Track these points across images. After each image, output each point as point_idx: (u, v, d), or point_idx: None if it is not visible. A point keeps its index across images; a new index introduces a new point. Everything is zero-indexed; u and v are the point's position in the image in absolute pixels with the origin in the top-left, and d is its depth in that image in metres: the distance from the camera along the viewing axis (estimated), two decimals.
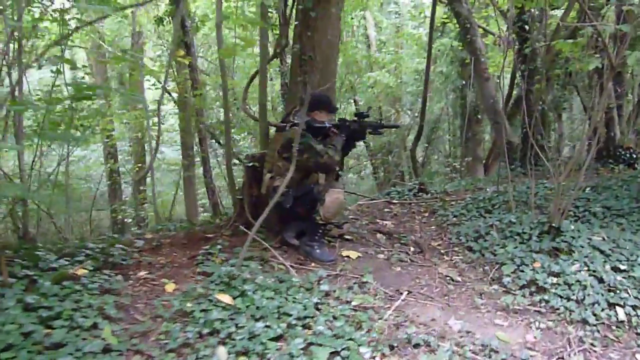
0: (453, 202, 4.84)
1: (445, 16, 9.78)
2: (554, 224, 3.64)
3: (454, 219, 4.29)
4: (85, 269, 2.82)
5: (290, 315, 2.47)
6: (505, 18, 7.06)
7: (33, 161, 7.55)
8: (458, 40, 9.34)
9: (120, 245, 3.29)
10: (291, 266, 3.09)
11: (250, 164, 3.54)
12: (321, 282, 2.85)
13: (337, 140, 3.34)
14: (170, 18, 8.14)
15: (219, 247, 3.23)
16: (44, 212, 4.72)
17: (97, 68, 11.17)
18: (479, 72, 7.38)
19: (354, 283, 2.92)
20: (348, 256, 3.27)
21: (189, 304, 2.58)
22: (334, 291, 2.78)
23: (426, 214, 4.56)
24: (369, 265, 3.17)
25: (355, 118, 3.50)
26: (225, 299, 2.54)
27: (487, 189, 5.46)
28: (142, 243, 3.47)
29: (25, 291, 2.54)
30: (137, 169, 11.83)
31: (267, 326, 2.37)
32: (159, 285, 2.90)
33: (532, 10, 6.44)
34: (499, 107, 7.20)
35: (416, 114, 12.82)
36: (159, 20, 8.06)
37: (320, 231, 3.23)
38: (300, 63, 3.72)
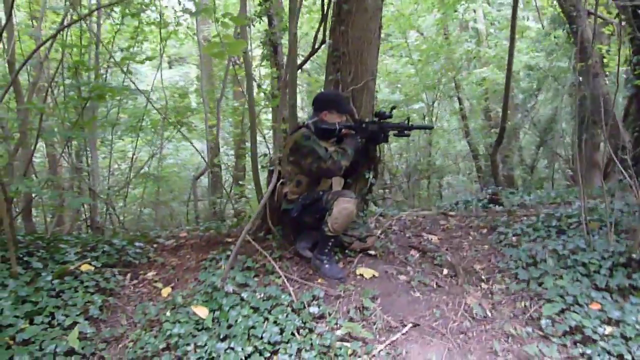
0: (523, 218, 4.18)
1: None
2: (634, 255, 2.94)
3: (513, 238, 3.67)
4: (91, 265, 2.89)
5: (261, 339, 2.26)
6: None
7: (133, 155, 8.24)
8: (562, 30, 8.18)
9: (140, 244, 3.33)
10: (296, 281, 2.86)
11: (272, 168, 3.36)
12: (314, 302, 2.58)
13: (349, 142, 3.01)
14: (260, 18, 8.28)
15: (227, 253, 3.11)
16: (107, 204, 5.05)
17: (203, 63, 11.79)
18: (587, 67, 6.37)
19: (354, 307, 2.60)
20: (361, 275, 2.93)
21: (168, 313, 2.49)
22: (325, 315, 2.50)
23: (484, 230, 3.98)
24: (382, 288, 2.81)
25: (375, 119, 3.13)
26: (201, 312, 2.40)
27: (576, 203, 4.65)
28: (163, 242, 3.49)
29: (28, 283, 2.66)
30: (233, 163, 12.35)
31: (230, 348, 2.19)
32: (159, 288, 2.87)
33: None
34: (610, 107, 6.14)
35: (526, 111, 11.64)
36: (249, 21, 8.22)
37: (331, 244, 2.93)
38: (333, 60, 3.44)
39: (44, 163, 7.41)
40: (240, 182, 12.36)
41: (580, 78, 9.06)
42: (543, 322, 2.51)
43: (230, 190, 8.64)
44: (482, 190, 10.34)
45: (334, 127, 2.99)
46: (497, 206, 4.74)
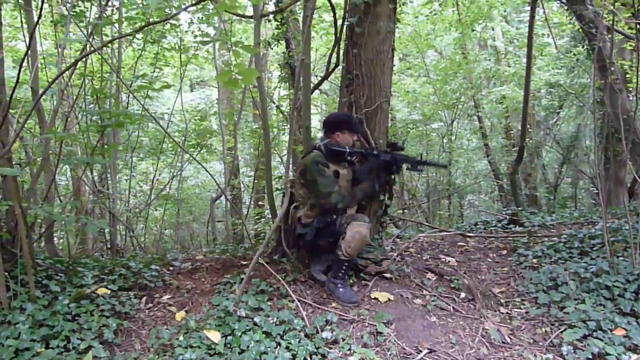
0: (544, 239, 4.08)
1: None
2: None
3: (534, 260, 3.58)
4: (107, 289, 2.91)
5: None
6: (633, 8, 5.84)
7: (154, 177, 8.37)
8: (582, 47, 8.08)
9: (156, 267, 3.36)
10: (310, 304, 2.84)
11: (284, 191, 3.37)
12: (327, 327, 2.55)
13: (363, 188, 3.01)
14: (277, 41, 8.42)
15: (241, 276, 3.10)
16: (127, 227, 5.13)
17: (222, 87, 12.00)
18: (609, 84, 6.26)
19: (368, 332, 2.55)
20: (376, 299, 2.89)
21: (181, 337, 2.49)
22: (339, 340, 2.46)
23: (504, 252, 3.89)
24: (397, 312, 2.76)
25: (388, 149, 3.12)
26: (213, 336, 2.39)
27: (600, 224, 4.52)
28: (179, 265, 3.51)
29: (46, 307, 2.70)
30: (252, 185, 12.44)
31: None
32: (173, 312, 2.87)
33: None
34: (634, 124, 6.02)
35: (548, 129, 11.48)
36: (267, 44, 8.37)
37: (345, 267, 2.90)
38: (346, 82, 3.46)
39: (68, 186, 7.59)
40: (260, 203, 12.44)
41: (602, 95, 8.94)
42: (564, 348, 2.43)
43: (247, 212, 8.67)
44: (503, 210, 10.15)
45: (344, 150, 2.99)
46: (517, 227, 4.64)
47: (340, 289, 2.89)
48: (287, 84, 8.85)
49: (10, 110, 3.02)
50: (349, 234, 2.80)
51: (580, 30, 6.66)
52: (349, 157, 3.01)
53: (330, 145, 2.99)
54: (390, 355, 2.40)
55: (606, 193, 8.83)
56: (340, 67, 3.76)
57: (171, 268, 3.52)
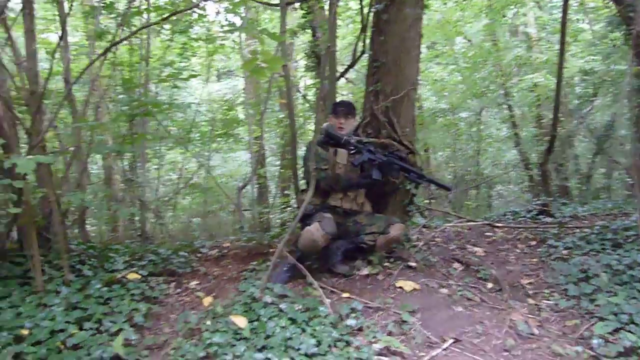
0: (575, 230, 3.98)
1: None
2: None
3: (564, 251, 3.50)
4: (138, 274, 2.99)
5: (298, 350, 2.26)
6: None
7: (182, 166, 8.50)
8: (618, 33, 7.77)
9: (184, 253, 3.42)
10: (334, 292, 2.85)
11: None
12: (352, 315, 2.56)
13: (358, 181, 3.07)
14: (303, 30, 8.39)
15: (267, 264, 3.14)
16: (155, 215, 5.24)
17: (249, 76, 12.07)
18: None
19: (392, 321, 2.55)
20: (401, 287, 2.88)
21: (208, 322, 2.54)
22: (363, 328, 2.47)
23: (533, 243, 3.81)
24: (422, 301, 2.75)
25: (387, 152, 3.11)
26: (240, 321, 2.43)
27: (634, 215, 4.38)
28: (206, 252, 3.58)
29: (80, 290, 2.79)
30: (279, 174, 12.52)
31: (266, 359, 2.20)
32: (201, 298, 2.93)
33: None
34: None
35: (581, 118, 11.13)
36: (293, 33, 8.35)
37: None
38: (372, 70, 3.43)
39: (99, 175, 7.79)
40: (286, 192, 12.50)
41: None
42: (595, 341, 2.37)
43: (272, 201, 8.72)
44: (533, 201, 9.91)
45: (340, 137, 3.06)
46: (547, 218, 4.54)
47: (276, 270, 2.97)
48: (314, 73, 8.83)
49: (44, 101, 3.11)
50: (303, 232, 2.87)
51: (618, 14, 6.39)
52: (344, 144, 3.05)
53: (329, 129, 3.06)
54: (415, 343, 2.39)
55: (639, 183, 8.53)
56: (366, 55, 3.73)
57: (199, 255, 3.58)
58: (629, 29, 5.88)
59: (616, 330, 2.45)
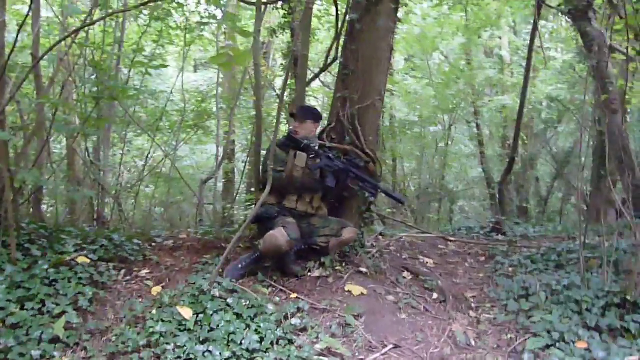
0: (523, 249, 4.15)
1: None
2: (628, 297, 2.90)
3: (510, 269, 3.65)
4: (88, 258, 2.95)
5: (240, 345, 2.29)
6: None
7: (147, 154, 8.37)
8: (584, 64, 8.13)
9: (138, 241, 3.40)
10: (283, 291, 2.90)
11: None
12: (298, 314, 2.61)
13: (312, 165, 3.14)
14: (283, 30, 8.41)
15: (220, 257, 3.15)
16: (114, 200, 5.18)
17: (224, 71, 11.93)
18: (606, 103, 6.31)
19: (337, 323, 2.61)
20: (349, 291, 2.95)
21: (154, 311, 2.54)
22: (307, 328, 2.52)
23: (482, 258, 3.96)
24: (368, 306, 2.82)
25: (345, 159, 3.21)
26: (185, 313, 2.44)
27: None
28: (161, 242, 3.56)
29: (25, 270, 2.74)
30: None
31: (208, 351, 2.22)
32: (150, 287, 2.92)
33: None
34: (626, 144, 6.07)
35: (544, 143, 11.53)
36: (272, 32, 8.36)
37: (255, 257, 3.07)
38: (342, 77, 3.50)
39: (62, 155, 7.60)
40: (252, 189, 12.44)
41: (599, 114, 8.97)
42: (526, 356, 2.49)
43: (236, 196, 8.70)
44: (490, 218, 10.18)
45: (301, 141, 3.16)
46: (499, 235, 4.71)
47: (232, 264, 3.03)
48: (290, 73, 8.86)
49: (9, 74, 3.05)
50: (267, 236, 2.91)
51: (583, 46, 6.68)
52: (304, 148, 3.16)
53: (291, 132, 3.18)
54: (356, 347, 2.46)
55: (594, 210, 8.94)
56: (338, 61, 3.80)
57: (153, 244, 3.57)
58: (589, 61, 6.16)
59: (547, 347, 2.57)
